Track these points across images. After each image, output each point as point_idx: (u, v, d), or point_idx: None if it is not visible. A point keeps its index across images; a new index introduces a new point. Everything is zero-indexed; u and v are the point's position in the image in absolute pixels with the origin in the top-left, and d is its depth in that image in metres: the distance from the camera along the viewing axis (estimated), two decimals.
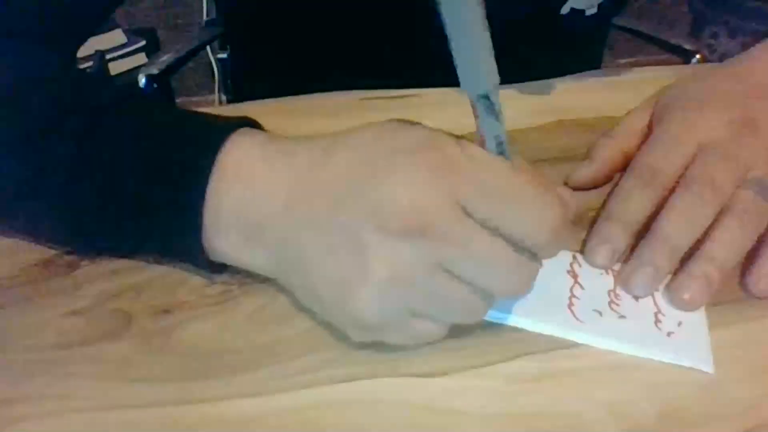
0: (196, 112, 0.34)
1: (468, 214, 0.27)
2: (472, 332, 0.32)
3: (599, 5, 0.53)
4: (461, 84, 0.27)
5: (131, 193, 0.31)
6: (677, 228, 0.34)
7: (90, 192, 0.32)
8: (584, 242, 0.37)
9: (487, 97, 0.27)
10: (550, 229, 0.27)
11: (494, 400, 0.29)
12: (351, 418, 0.29)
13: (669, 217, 0.34)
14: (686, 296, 0.33)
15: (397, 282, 0.27)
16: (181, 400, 0.29)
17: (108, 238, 0.34)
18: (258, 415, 0.28)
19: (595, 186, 0.41)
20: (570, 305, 0.33)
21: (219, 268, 0.33)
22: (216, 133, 0.31)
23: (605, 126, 0.44)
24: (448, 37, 0.25)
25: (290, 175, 0.30)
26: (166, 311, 0.33)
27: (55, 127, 0.32)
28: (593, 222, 0.38)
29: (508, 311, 0.33)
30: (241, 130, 0.32)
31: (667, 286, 0.34)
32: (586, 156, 0.42)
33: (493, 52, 0.26)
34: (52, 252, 0.36)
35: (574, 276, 0.35)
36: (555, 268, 0.35)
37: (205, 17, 1.21)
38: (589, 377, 0.30)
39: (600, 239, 0.36)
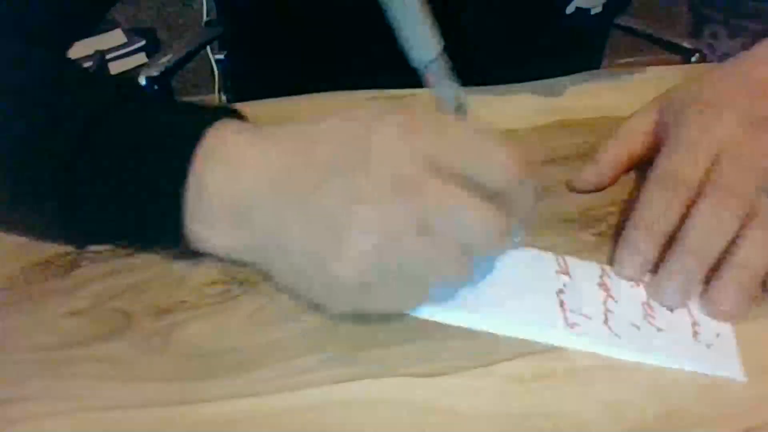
0: (181, 102, 0.35)
1: (440, 170, 0.29)
2: (473, 332, 0.32)
3: (604, 4, 0.53)
4: (408, 59, 0.28)
5: (118, 177, 0.32)
6: (705, 236, 0.34)
7: (80, 182, 0.32)
8: (613, 253, 0.36)
9: (435, 62, 0.28)
10: (513, 172, 0.30)
11: (494, 400, 0.29)
12: (351, 418, 0.29)
13: (696, 226, 0.34)
14: (725, 308, 0.33)
15: (386, 237, 0.28)
16: (181, 400, 0.29)
17: (96, 223, 0.34)
18: (258, 415, 0.28)
19: (600, 188, 0.41)
20: (606, 320, 0.33)
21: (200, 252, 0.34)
22: (200, 118, 0.32)
23: (606, 126, 0.44)
24: (387, 13, 0.26)
25: (276, 162, 0.31)
26: (166, 311, 0.33)
27: (48, 127, 0.32)
28: (592, 222, 0.37)
29: (544, 325, 0.32)
30: (226, 119, 0.32)
31: (704, 298, 0.34)
32: (591, 158, 0.42)
33: (432, 21, 0.27)
34: (52, 252, 0.36)
35: (606, 289, 0.34)
36: (586, 282, 0.35)
37: (205, 17, 1.21)
38: (589, 377, 0.30)
39: (629, 250, 0.35)
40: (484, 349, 0.31)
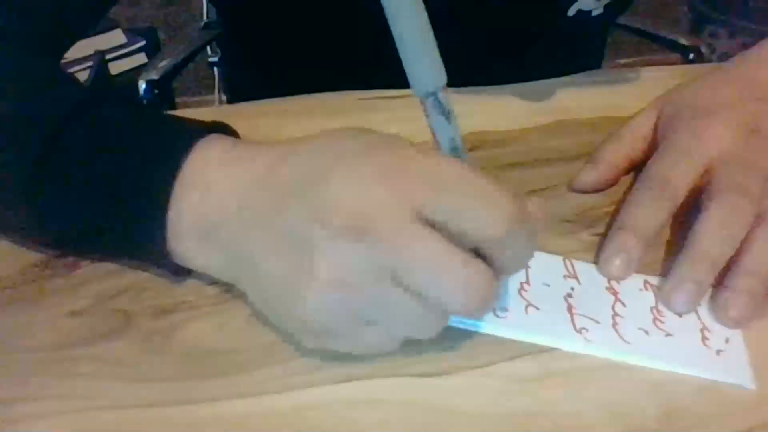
0: (166, 116, 0.34)
1: (419, 217, 0.26)
2: (473, 332, 0.32)
3: (605, 6, 0.53)
4: (409, 83, 0.27)
5: (95, 202, 0.31)
6: (715, 241, 0.33)
7: (54, 195, 0.32)
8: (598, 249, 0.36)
9: (434, 96, 0.27)
10: (503, 226, 0.26)
11: (494, 400, 0.29)
12: (351, 418, 0.29)
13: (705, 230, 0.34)
14: (734, 314, 0.32)
15: (342, 286, 0.26)
16: (181, 400, 0.29)
17: (74, 239, 0.34)
18: (258, 415, 0.28)
19: (599, 189, 0.41)
20: (614, 324, 0.32)
21: (185, 271, 0.33)
22: (181, 140, 0.31)
23: (605, 126, 0.44)
24: (393, 35, 0.25)
25: (246, 181, 0.30)
26: (166, 311, 0.33)
27: (23, 132, 0.32)
28: (592, 222, 0.37)
29: (552, 329, 0.32)
30: (209, 136, 0.32)
31: (713, 304, 0.33)
32: (591, 159, 0.42)
33: (438, 51, 0.26)
34: (52, 252, 0.36)
35: (615, 293, 0.34)
36: (594, 286, 0.34)
37: (205, 18, 1.21)
38: (589, 377, 0.30)
39: (614, 249, 0.35)
40: (484, 349, 0.31)
